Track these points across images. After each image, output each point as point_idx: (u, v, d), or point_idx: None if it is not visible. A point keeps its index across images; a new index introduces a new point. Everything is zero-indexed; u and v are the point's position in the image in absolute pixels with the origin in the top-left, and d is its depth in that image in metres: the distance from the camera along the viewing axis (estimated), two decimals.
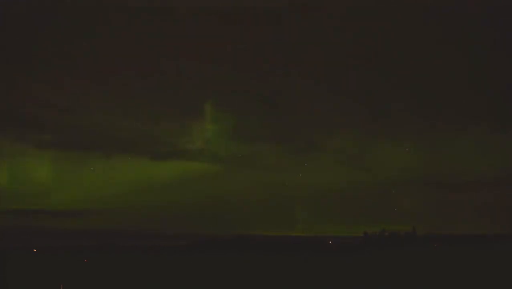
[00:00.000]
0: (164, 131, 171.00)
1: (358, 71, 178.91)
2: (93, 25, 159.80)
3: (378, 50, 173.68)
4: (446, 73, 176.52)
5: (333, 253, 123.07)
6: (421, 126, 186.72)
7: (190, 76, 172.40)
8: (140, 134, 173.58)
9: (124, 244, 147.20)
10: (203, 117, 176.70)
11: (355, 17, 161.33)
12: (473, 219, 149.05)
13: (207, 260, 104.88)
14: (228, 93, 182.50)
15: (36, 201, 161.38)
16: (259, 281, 67.31)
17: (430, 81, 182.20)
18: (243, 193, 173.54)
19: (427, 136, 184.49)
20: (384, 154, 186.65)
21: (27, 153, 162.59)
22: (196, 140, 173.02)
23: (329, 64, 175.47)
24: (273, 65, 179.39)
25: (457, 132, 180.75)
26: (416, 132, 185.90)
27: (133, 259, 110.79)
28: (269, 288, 63.22)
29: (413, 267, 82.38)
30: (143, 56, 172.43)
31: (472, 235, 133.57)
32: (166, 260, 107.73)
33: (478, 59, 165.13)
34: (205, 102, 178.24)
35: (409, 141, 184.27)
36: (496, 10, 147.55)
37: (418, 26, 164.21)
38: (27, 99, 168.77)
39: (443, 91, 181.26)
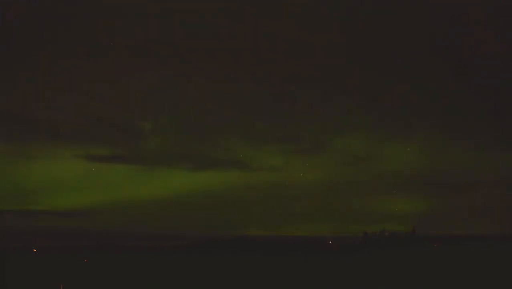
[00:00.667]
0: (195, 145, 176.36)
1: (365, 75, 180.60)
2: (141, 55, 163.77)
3: (385, 55, 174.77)
4: (449, 77, 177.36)
5: (333, 253, 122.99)
6: (423, 128, 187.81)
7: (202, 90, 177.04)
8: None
9: (124, 244, 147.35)
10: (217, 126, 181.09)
11: (361, 22, 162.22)
12: (473, 219, 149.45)
13: (207, 260, 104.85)
14: (236, 96, 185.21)
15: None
16: (259, 281, 67.32)
17: (434, 85, 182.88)
18: (245, 193, 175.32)
19: (429, 138, 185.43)
20: (387, 155, 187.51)
21: (84, 166, 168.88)
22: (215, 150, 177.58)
23: (336, 67, 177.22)
24: (282, 67, 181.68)
25: (458, 134, 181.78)
26: (418, 134, 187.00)
27: (133, 259, 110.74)
28: (269, 288, 63.22)
29: (413, 267, 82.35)
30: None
31: (472, 235, 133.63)
32: (166, 260, 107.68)
33: (482, 64, 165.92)
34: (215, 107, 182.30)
35: (411, 143, 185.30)
36: (496, 10, 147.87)
37: (422, 32, 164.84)
38: (92, 118, 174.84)
39: (446, 96, 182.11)
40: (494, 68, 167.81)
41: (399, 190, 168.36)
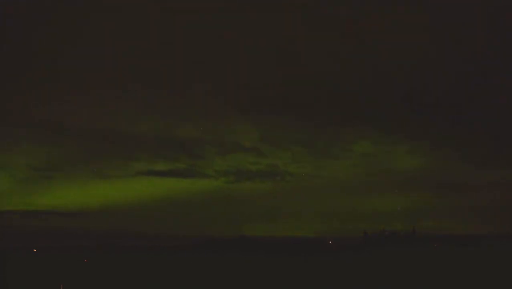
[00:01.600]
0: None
1: (368, 82, 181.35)
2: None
3: (387, 62, 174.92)
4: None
5: (333, 253, 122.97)
6: (425, 133, 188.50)
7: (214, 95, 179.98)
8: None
9: (124, 244, 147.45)
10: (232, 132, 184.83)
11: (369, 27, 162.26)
12: (473, 219, 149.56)
13: (207, 260, 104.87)
14: (252, 102, 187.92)
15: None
16: (259, 281, 67.30)
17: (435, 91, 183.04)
18: (248, 196, 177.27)
19: (429, 142, 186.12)
20: (387, 156, 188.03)
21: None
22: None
23: (342, 74, 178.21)
24: (287, 70, 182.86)
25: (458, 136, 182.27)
26: (419, 137, 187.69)
27: (133, 259, 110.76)
28: (270, 287, 63.20)
29: (413, 267, 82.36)
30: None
31: (472, 235, 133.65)
32: (166, 260, 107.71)
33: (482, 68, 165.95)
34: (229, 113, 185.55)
35: (412, 144, 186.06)
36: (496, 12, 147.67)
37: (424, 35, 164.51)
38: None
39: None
40: (494, 69, 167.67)
41: (399, 190, 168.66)
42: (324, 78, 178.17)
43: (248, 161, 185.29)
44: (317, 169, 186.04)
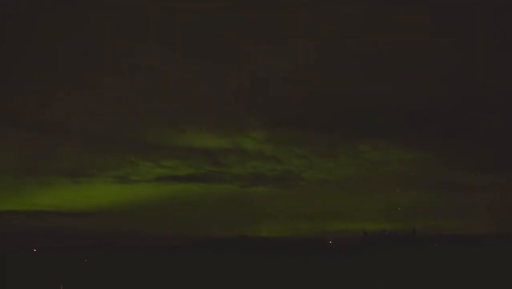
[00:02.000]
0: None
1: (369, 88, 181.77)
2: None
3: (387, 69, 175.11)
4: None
5: (333, 253, 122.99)
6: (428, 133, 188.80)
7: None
8: None
9: (124, 244, 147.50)
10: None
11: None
12: (473, 219, 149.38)
13: (207, 260, 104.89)
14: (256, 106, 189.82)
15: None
16: (259, 281, 67.28)
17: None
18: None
19: (429, 143, 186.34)
20: (388, 156, 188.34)
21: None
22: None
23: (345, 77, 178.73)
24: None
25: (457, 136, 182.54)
26: (420, 138, 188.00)
27: (133, 259, 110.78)
28: (270, 287, 63.19)
29: (413, 267, 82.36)
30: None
31: (472, 235, 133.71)
32: (166, 260, 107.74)
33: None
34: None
35: (412, 145, 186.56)
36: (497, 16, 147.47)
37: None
38: None
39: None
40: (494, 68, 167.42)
41: (399, 190, 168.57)
42: (329, 85, 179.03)
43: (266, 168, 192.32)
44: (327, 175, 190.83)
